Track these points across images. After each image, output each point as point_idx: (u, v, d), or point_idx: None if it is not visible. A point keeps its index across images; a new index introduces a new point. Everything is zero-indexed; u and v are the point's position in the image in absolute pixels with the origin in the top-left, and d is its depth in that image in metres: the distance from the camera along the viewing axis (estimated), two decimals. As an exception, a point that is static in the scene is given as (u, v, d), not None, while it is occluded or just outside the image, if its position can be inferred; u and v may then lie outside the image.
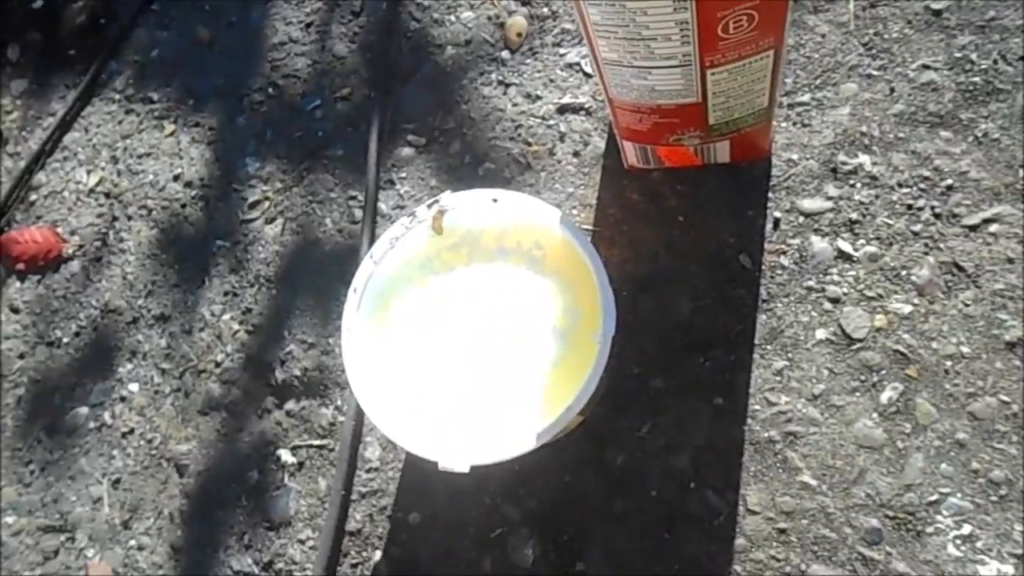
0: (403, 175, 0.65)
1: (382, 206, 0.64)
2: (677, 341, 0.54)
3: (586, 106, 0.61)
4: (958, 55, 0.53)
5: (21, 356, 0.74)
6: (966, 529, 0.46)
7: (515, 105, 0.63)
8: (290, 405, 0.62)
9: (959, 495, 0.47)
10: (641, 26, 0.38)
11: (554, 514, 0.53)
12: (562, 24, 0.64)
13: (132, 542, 0.64)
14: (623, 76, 0.43)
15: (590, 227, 0.58)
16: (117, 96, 0.80)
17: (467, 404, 0.49)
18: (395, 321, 0.51)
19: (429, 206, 0.51)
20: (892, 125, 0.53)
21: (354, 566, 0.56)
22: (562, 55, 0.63)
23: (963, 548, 0.46)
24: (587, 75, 0.62)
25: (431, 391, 0.49)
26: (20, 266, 0.76)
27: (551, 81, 0.63)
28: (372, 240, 0.63)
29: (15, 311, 0.76)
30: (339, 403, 0.60)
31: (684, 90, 0.43)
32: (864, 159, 0.53)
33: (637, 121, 0.48)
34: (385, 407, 0.48)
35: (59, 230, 0.77)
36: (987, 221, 0.50)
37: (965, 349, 0.49)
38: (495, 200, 0.50)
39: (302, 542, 0.58)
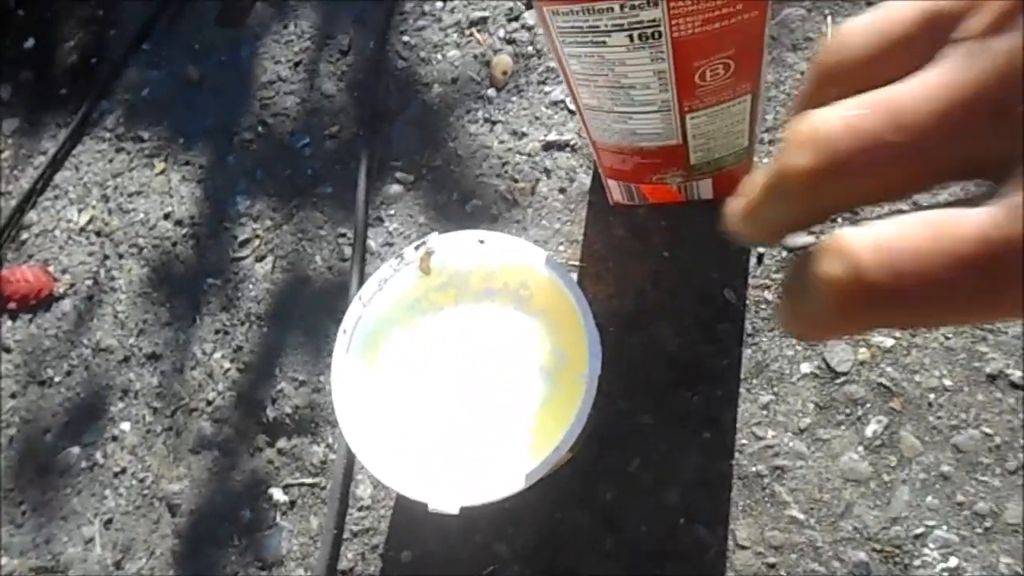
0: (392, 212, 0.65)
1: (371, 243, 0.65)
2: (664, 376, 0.55)
3: (571, 143, 0.62)
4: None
5: (13, 396, 0.74)
6: (952, 562, 0.47)
7: (501, 142, 0.64)
8: (282, 443, 0.62)
9: (945, 527, 0.47)
10: (620, 75, 0.39)
11: (545, 551, 0.54)
12: (547, 62, 0.65)
13: (124, 583, 0.64)
14: (604, 121, 0.44)
15: (577, 263, 0.59)
16: (108, 135, 0.80)
17: (456, 444, 0.49)
18: (384, 362, 0.51)
19: (416, 248, 0.51)
20: (871, 160, 0.54)
21: (346, 606, 0.56)
22: (547, 93, 0.64)
23: (950, 581, 0.46)
24: (572, 112, 0.63)
25: (420, 431, 0.50)
26: (11, 305, 0.77)
27: (536, 118, 0.64)
28: (362, 277, 0.63)
29: (7, 350, 0.76)
30: (330, 441, 0.61)
31: (664, 133, 0.44)
32: (845, 194, 0.54)
33: (620, 161, 0.49)
34: (375, 448, 0.48)
35: (50, 269, 0.77)
36: (966, 255, 0.51)
37: (947, 382, 0.49)
38: (481, 241, 0.50)
39: (294, 582, 0.58)
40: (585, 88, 0.42)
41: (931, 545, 0.47)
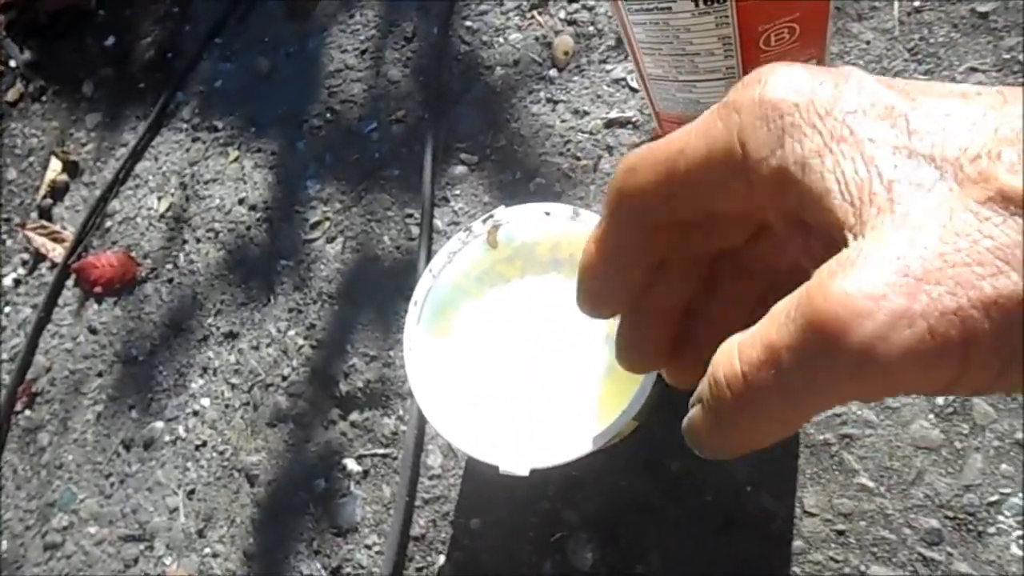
0: (457, 192, 0.67)
1: (438, 223, 0.67)
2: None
3: (633, 120, 0.63)
4: (1006, 56, 0.53)
5: (99, 374, 0.79)
6: (1029, 529, 0.46)
7: (563, 121, 0.65)
8: (354, 416, 0.65)
9: (1020, 495, 0.47)
10: (685, 42, 0.40)
11: (612, 518, 0.55)
12: (607, 41, 0.66)
13: (207, 550, 0.67)
14: (669, 90, 0.45)
15: (640, 237, 0.59)
16: (184, 125, 0.84)
17: (525, 411, 0.50)
18: (454, 332, 0.53)
19: (484, 221, 0.53)
20: (940, 128, 0.54)
21: (419, 570, 0.58)
22: (608, 71, 0.65)
23: (1026, 548, 0.46)
24: (633, 90, 0.64)
25: (490, 399, 0.51)
26: (97, 289, 0.81)
27: (598, 97, 0.65)
28: (429, 256, 0.65)
29: (93, 331, 0.81)
30: (401, 413, 0.63)
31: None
32: (913, 162, 0.54)
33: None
34: (447, 415, 0.50)
35: (133, 254, 0.81)
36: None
37: (1022, 349, 0.49)
38: (547, 213, 0.51)
39: (368, 547, 0.60)
40: (650, 57, 0.42)
41: (1006, 513, 0.47)
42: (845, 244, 0.16)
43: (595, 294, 0.24)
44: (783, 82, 0.18)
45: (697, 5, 0.37)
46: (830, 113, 0.17)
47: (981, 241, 0.15)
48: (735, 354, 0.17)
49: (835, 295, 0.15)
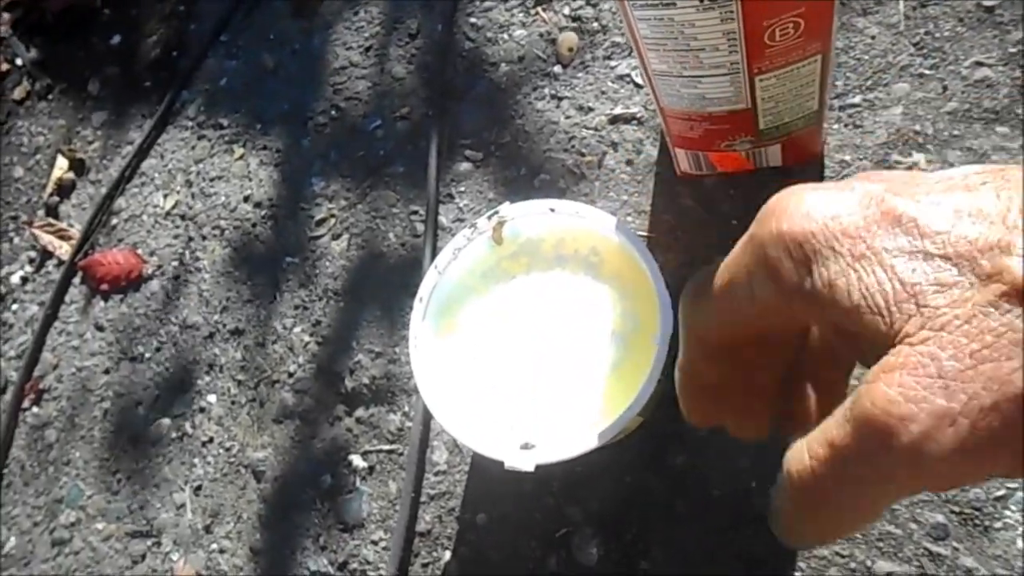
0: (462, 189, 0.67)
1: (443, 219, 0.67)
2: (734, 342, 0.55)
3: (637, 116, 0.63)
4: (1012, 50, 0.53)
5: (106, 371, 0.79)
6: (1035, 524, 0.46)
7: (568, 118, 0.65)
8: (360, 412, 0.65)
9: (1026, 490, 0.47)
10: (689, 37, 0.40)
11: (617, 514, 0.55)
12: (612, 37, 0.66)
13: (214, 545, 0.67)
14: (673, 86, 0.45)
15: (645, 233, 0.59)
16: (190, 123, 0.84)
17: (530, 407, 0.51)
18: (459, 328, 0.53)
19: (489, 217, 0.53)
20: (946, 123, 0.54)
21: (425, 566, 0.58)
22: (612, 67, 0.65)
23: (1032, 543, 0.46)
24: (638, 86, 0.64)
25: (495, 394, 0.51)
26: (104, 287, 0.81)
27: (602, 93, 0.65)
28: (434, 252, 0.65)
29: (100, 329, 0.81)
30: (407, 409, 0.63)
31: (734, 97, 0.45)
32: (919, 157, 0.54)
33: (688, 129, 0.50)
34: (452, 411, 0.50)
35: (139, 251, 0.81)
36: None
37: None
38: (552, 209, 0.51)
39: (375, 543, 0.60)
40: (655, 53, 0.42)
41: (1012, 507, 0.47)
42: (886, 349, 0.17)
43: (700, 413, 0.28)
44: (797, 212, 0.19)
45: (702, 1, 0.37)
46: (846, 233, 0.18)
47: (1005, 335, 0.16)
48: (805, 451, 0.19)
49: (880, 401, 0.17)
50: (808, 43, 0.41)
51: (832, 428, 0.18)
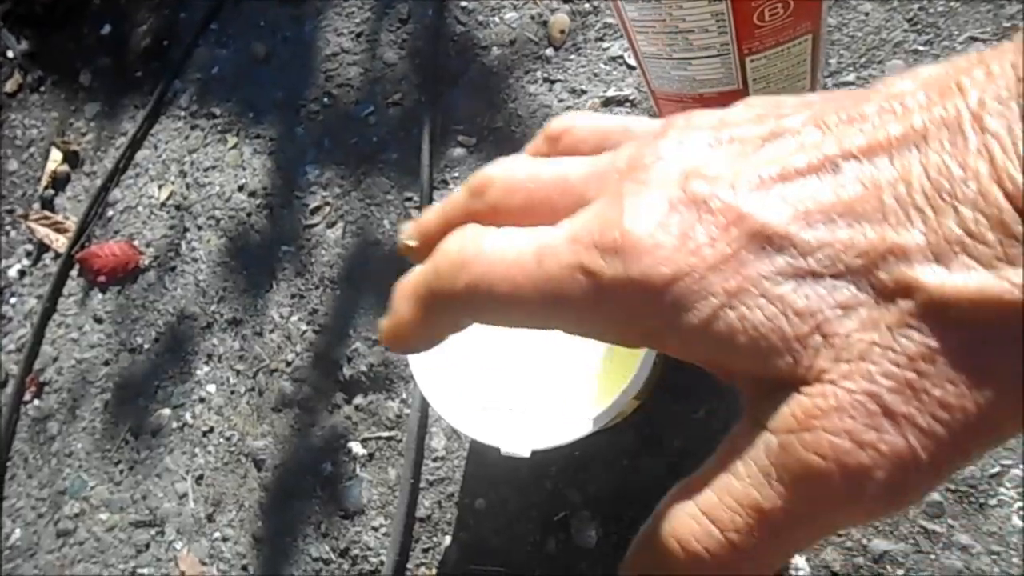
0: (456, 175, 0.67)
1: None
2: (730, 324, 0.55)
3: (631, 98, 0.62)
4: (1007, 25, 0.53)
5: (106, 363, 0.79)
6: (1030, 500, 0.46)
7: (561, 101, 0.65)
8: (358, 400, 0.65)
9: (1022, 467, 0.47)
10: (678, 19, 0.39)
11: (615, 497, 0.55)
12: (604, 19, 0.65)
13: (217, 534, 0.67)
14: (664, 68, 0.44)
15: (639, 216, 0.59)
16: (182, 113, 0.84)
17: (526, 393, 0.51)
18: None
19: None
20: (940, 99, 0.53)
21: (425, 551, 0.59)
22: (605, 49, 0.65)
23: (1028, 519, 0.46)
24: (630, 67, 0.63)
25: (490, 382, 0.51)
26: (101, 278, 0.81)
27: (595, 75, 0.64)
28: (429, 239, 0.65)
29: (98, 321, 0.81)
30: (404, 396, 0.63)
31: (725, 78, 0.44)
32: (912, 135, 0.53)
33: (681, 111, 0.49)
34: (448, 398, 0.50)
35: (135, 243, 0.81)
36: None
37: (1023, 321, 0.49)
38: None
39: (375, 529, 0.61)
40: (643, 35, 0.42)
41: (1007, 484, 0.47)
42: (793, 389, 0.15)
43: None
44: (648, 256, 0.16)
45: None
46: (713, 267, 0.15)
47: (938, 361, 0.14)
48: (707, 524, 0.16)
49: (827, 451, 0.14)
50: (798, 22, 0.40)
51: (748, 490, 0.15)
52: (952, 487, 0.48)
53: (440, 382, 0.51)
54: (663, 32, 0.41)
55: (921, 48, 0.54)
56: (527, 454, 0.46)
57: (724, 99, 0.47)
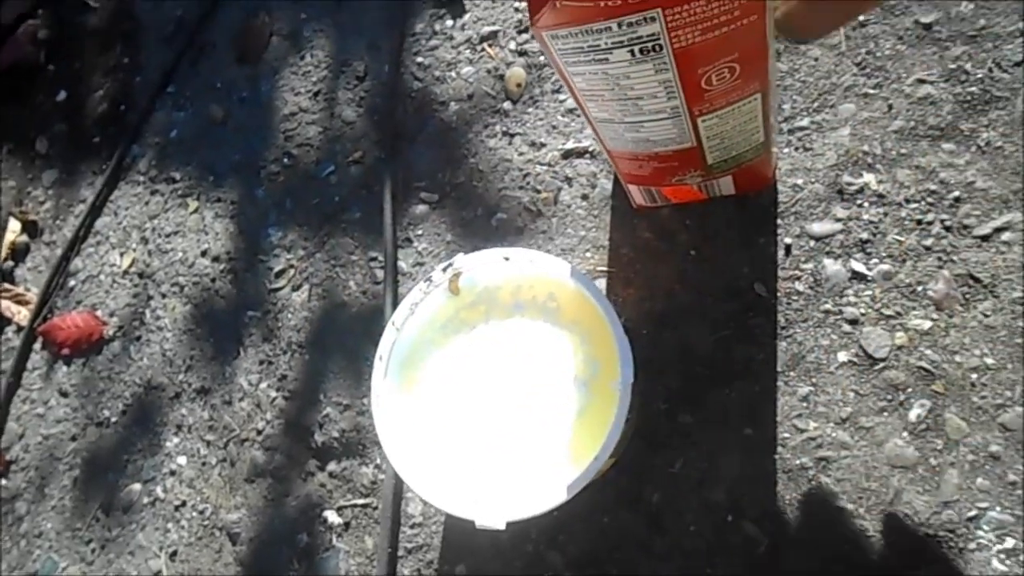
0: (419, 232, 0.67)
1: (402, 264, 0.66)
2: (701, 374, 0.55)
3: (590, 149, 0.62)
4: (952, 66, 0.53)
5: (73, 438, 0.77)
6: (1009, 543, 0.46)
7: (521, 154, 0.65)
8: (332, 466, 0.64)
9: (998, 508, 0.47)
10: (626, 88, 0.39)
11: (596, 556, 0.54)
12: (559, 70, 0.66)
13: (193, 613, 0.66)
14: (617, 131, 0.44)
15: (605, 268, 0.59)
16: (142, 178, 0.83)
17: (498, 459, 0.50)
18: (422, 383, 0.52)
19: (444, 270, 0.52)
20: (894, 142, 0.54)
21: (406, 623, 0.57)
22: (562, 101, 0.65)
23: (1008, 562, 0.46)
24: (588, 118, 0.63)
25: (462, 449, 0.51)
26: (65, 351, 0.80)
27: (553, 128, 0.64)
28: (395, 299, 0.64)
29: (64, 395, 0.79)
30: (378, 461, 0.62)
31: (678, 138, 0.44)
32: (869, 178, 0.54)
33: (637, 167, 0.50)
34: (420, 469, 0.49)
35: (98, 313, 0.80)
36: (998, 230, 0.50)
37: (989, 360, 0.49)
38: (506, 258, 0.51)
39: (354, 603, 0.59)
40: (593, 103, 0.42)
41: (985, 527, 0.47)
42: None
43: None
44: None
45: (633, 55, 0.36)
46: None
47: None
48: None
49: None
50: (746, 84, 0.40)
51: None
52: (930, 532, 0.47)
53: (410, 454, 0.50)
54: (612, 100, 0.41)
55: (871, 91, 0.55)
56: (502, 526, 0.46)
57: (679, 156, 0.47)
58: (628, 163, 0.50)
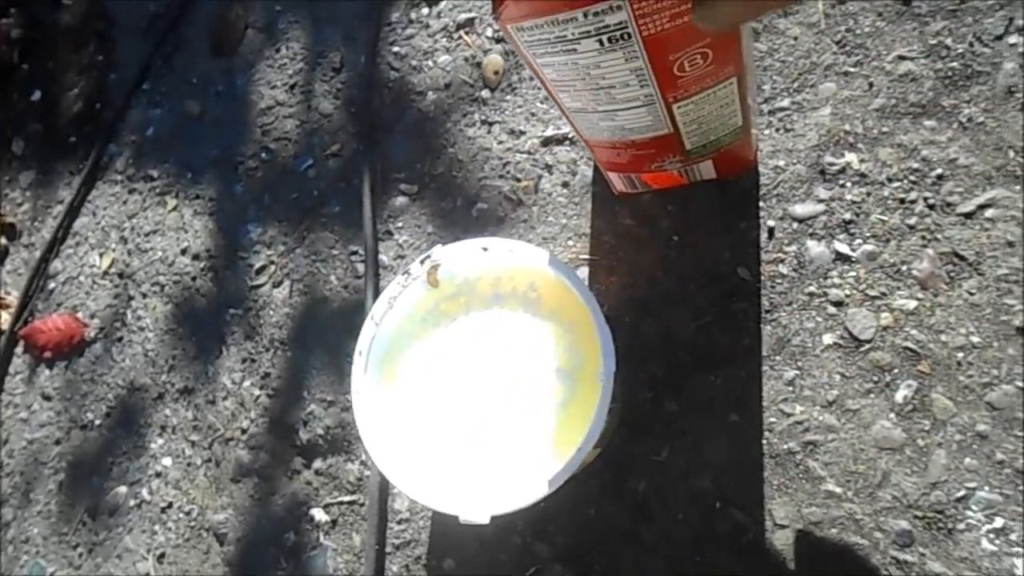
0: (400, 224, 0.66)
1: (383, 258, 0.65)
2: (685, 361, 0.54)
3: (569, 136, 0.61)
4: (933, 42, 0.52)
5: (57, 442, 0.77)
6: (998, 522, 0.46)
7: (500, 143, 0.64)
8: (318, 464, 0.63)
9: (987, 488, 0.46)
10: (597, 77, 0.38)
11: (584, 547, 0.54)
12: (537, 56, 0.65)
13: (182, 614, 0.65)
14: (591, 120, 0.44)
15: (587, 256, 0.58)
16: (119, 177, 0.82)
17: (482, 452, 0.49)
18: (403, 378, 0.52)
19: (422, 262, 0.51)
20: (875, 120, 0.53)
21: (396, 619, 0.57)
22: (539, 88, 0.64)
23: (997, 542, 0.45)
24: (567, 104, 0.62)
25: (445, 444, 0.50)
26: (47, 354, 0.79)
27: (532, 115, 0.63)
28: (376, 293, 0.64)
29: (47, 398, 0.78)
30: (364, 458, 0.61)
31: (654, 125, 0.43)
32: (851, 157, 0.53)
33: (616, 155, 0.49)
34: (402, 465, 0.48)
35: (79, 315, 0.79)
36: (982, 207, 0.49)
37: (975, 339, 0.48)
38: (485, 249, 0.50)
39: (342, 601, 0.59)
40: (566, 93, 0.41)
41: (974, 507, 0.46)
42: None
43: None
44: None
45: (602, 45, 0.35)
46: None
47: None
48: None
49: None
50: (720, 69, 0.40)
51: None
52: (919, 514, 0.47)
53: (393, 451, 0.49)
54: (585, 90, 0.40)
55: (851, 69, 0.54)
56: (486, 521, 0.45)
57: (657, 143, 0.46)
58: (606, 151, 0.49)
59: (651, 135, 0.45)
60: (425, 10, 0.70)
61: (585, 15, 0.33)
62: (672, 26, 0.34)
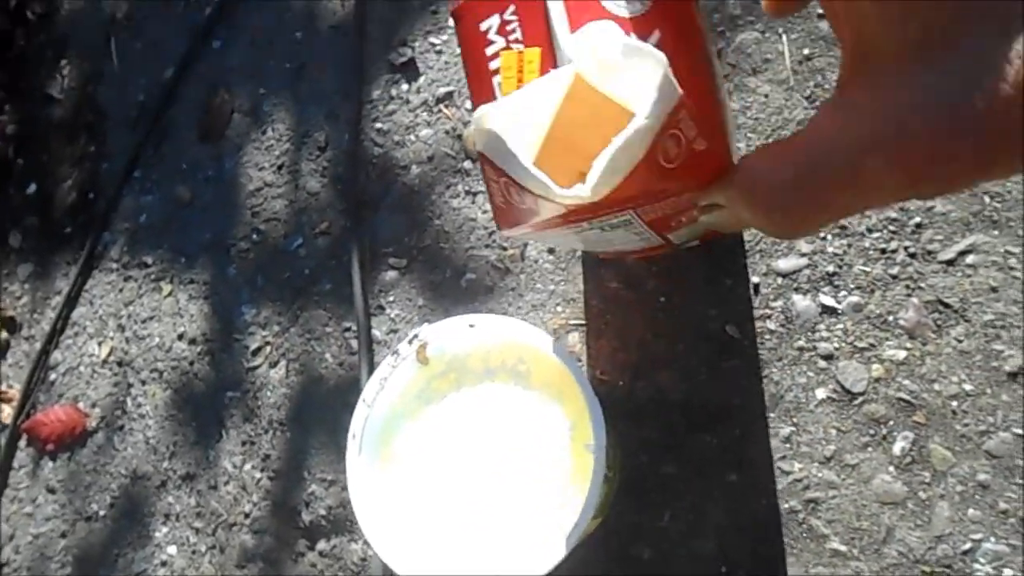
0: (391, 299, 0.66)
1: (376, 332, 0.66)
2: (680, 423, 0.54)
3: (552, 202, 0.62)
4: (900, 92, 0.53)
5: (63, 535, 0.76)
6: (1007, 573, 0.45)
7: (485, 212, 0.65)
8: (321, 545, 0.63)
9: (992, 539, 0.46)
10: (598, 241, 0.40)
11: (592, 620, 0.53)
12: (515, 126, 0.66)
13: None
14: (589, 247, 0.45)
15: (576, 322, 0.59)
16: (115, 265, 0.83)
17: (480, 530, 0.49)
18: (397, 457, 0.52)
19: (410, 342, 0.52)
20: (850, 172, 0.53)
21: None
22: (520, 156, 0.65)
23: (1008, 594, 0.45)
24: (548, 171, 0.63)
25: (442, 522, 0.50)
26: (50, 446, 0.79)
27: (514, 184, 0.64)
28: (371, 369, 0.64)
29: (51, 491, 0.78)
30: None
31: (647, 244, 0.44)
32: (830, 210, 0.53)
33: (603, 253, 0.50)
34: (401, 547, 0.48)
35: (80, 405, 0.79)
36: (963, 253, 0.49)
37: (968, 386, 0.48)
38: (472, 325, 0.50)
39: None
40: (562, 244, 0.42)
41: (981, 560, 0.45)
42: None
43: None
44: None
45: (604, 229, 0.37)
46: None
47: None
48: None
49: None
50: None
51: None
52: (927, 569, 0.46)
53: (391, 534, 0.49)
54: (582, 243, 0.41)
55: (823, 123, 0.55)
56: (487, 604, 0.45)
57: (649, 250, 0.47)
58: (596, 253, 0.50)
59: (645, 247, 0.45)
60: (404, 86, 0.72)
61: (590, 221, 0.34)
62: (673, 204, 0.35)
